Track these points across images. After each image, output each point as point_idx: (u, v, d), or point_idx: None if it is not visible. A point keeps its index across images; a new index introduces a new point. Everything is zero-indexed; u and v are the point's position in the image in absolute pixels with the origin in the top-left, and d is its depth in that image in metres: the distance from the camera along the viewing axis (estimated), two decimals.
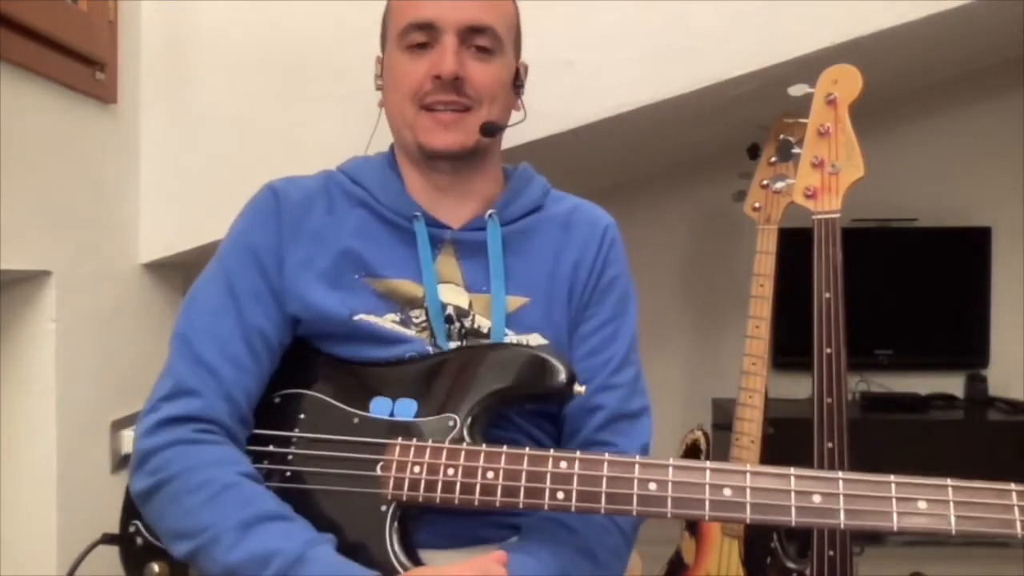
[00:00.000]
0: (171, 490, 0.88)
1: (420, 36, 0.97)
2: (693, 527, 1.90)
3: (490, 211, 1.01)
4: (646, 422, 1.03)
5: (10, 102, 1.13)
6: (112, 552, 0.98)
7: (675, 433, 2.01)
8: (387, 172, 1.04)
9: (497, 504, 0.85)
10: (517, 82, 1.05)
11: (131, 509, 0.95)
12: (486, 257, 1.00)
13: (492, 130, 0.99)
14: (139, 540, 0.95)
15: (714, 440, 2.04)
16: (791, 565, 1.72)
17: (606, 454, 0.85)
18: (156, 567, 0.93)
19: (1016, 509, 0.74)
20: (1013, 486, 0.75)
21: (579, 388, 0.92)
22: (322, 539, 0.86)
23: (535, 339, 0.99)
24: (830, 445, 1.25)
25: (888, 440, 2.79)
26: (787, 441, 1.50)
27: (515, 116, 1.07)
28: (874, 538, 2.73)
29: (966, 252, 3.16)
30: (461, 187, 1.03)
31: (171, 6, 1.52)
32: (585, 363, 1.01)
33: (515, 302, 1.00)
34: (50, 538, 1.27)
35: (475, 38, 0.97)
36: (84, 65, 1.32)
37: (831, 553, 1.30)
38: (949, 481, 0.76)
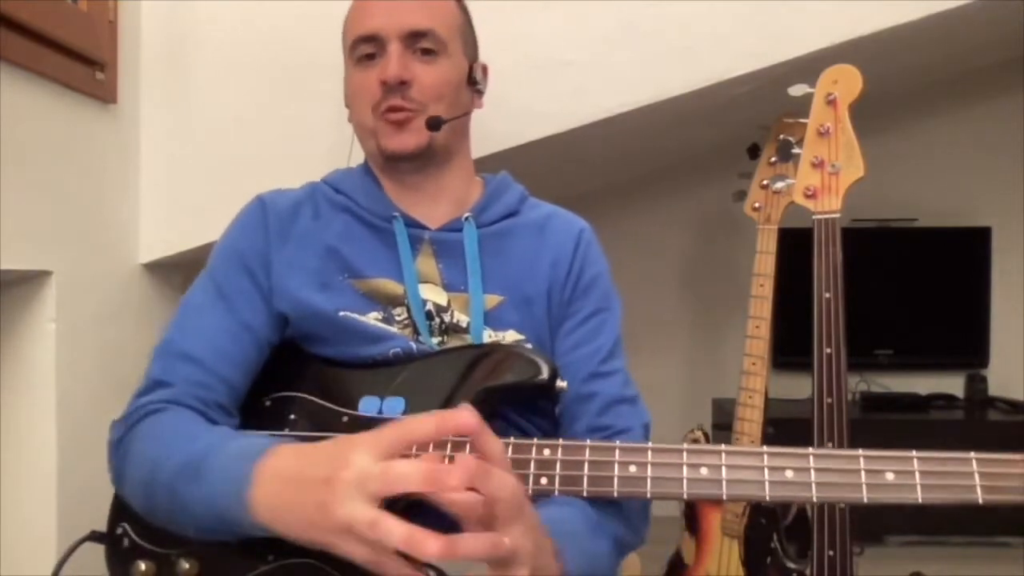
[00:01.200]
0: (132, 449, 0.91)
1: (368, 48, 1.04)
2: (693, 527, 1.90)
3: (467, 214, 1.05)
4: (643, 405, 1.06)
5: (10, 102, 1.13)
6: (102, 551, 0.98)
7: (675, 433, 2.02)
8: (366, 178, 1.09)
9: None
10: (472, 81, 1.09)
11: (120, 511, 0.96)
12: (463, 257, 1.03)
13: (435, 124, 1.03)
14: (126, 541, 0.94)
15: (714, 440, 2.04)
16: (791, 565, 1.72)
17: (587, 440, 0.87)
18: (143, 565, 0.93)
19: (976, 476, 0.79)
20: (973, 455, 0.80)
21: (561, 383, 0.94)
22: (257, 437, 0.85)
23: (511, 336, 1.02)
24: (830, 445, 1.25)
25: (888, 440, 2.76)
26: (787, 441, 1.49)
27: (480, 106, 1.12)
28: (874, 538, 2.73)
29: (966, 252, 3.16)
30: (432, 186, 1.07)
31: (171, 6, 1.52)
32: (572, 355, 1.03)
33: (491, 300, 1.02)
34: (50, 538, 1.27)
35: (418, 41, 1.02)
36: (84, 65, 1.32)
37: (831, 553, 1.30)
38: (914, 453, 0.81)
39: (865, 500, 0.79)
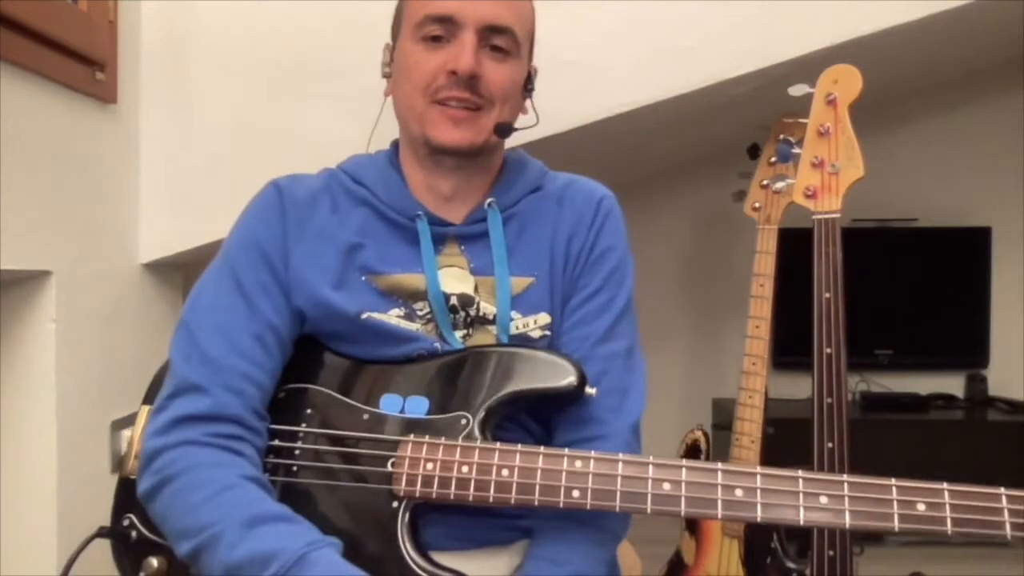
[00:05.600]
0: (174, 488, 0.87)
1: (437, 29, 0.95)
2: (693, 527, 1.90)
3: (489, 200, 1.01)
4: (635, 398, 1.01)
5: (10, 102, 1.13)
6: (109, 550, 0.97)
7: (675, 433, 2.01)
8: (388, 171, 1.04)
9: (512, 502, 0.86)
10: (528, 85, 1.05)
11: (123, 503, 0.94)
12: (490, 243, 1.00)
13: (506, 131, 0.98)
14: (134, 534, 0.93)
15: (714, 440, 2.04)
16: (791, 565, 1.72)
17: (620, 454, 0.86)
18: (155, 562, 0.91)
19: (1005, 512, 0.79)
20: (1003, 490, 0.80)
21: (590, 390, 0.92)
22: (326, 541, 0.85)
23: (543, 318, 0.99)
24: (830, 445, 1.25)
25: (888, 440, 2.80)
26: (787, 441, 1.50)
27: (526, 120, 1.06)
28: (874, 538, 2.73)
29: (966, 252, 3.16)
30: (464, 183, 1.02)
31: (171, 6, 1.52)
32: (570, 335, 1.00)
33: (521, 283, 0.99)
34: (50, 538, 1.27)
35: (493, 38, 0.96)
36: (84, 65, 1.32)
37: (831, 553, 1.29)
38: (945, 485, 0.81)
39: (896, 529, 0.80)
